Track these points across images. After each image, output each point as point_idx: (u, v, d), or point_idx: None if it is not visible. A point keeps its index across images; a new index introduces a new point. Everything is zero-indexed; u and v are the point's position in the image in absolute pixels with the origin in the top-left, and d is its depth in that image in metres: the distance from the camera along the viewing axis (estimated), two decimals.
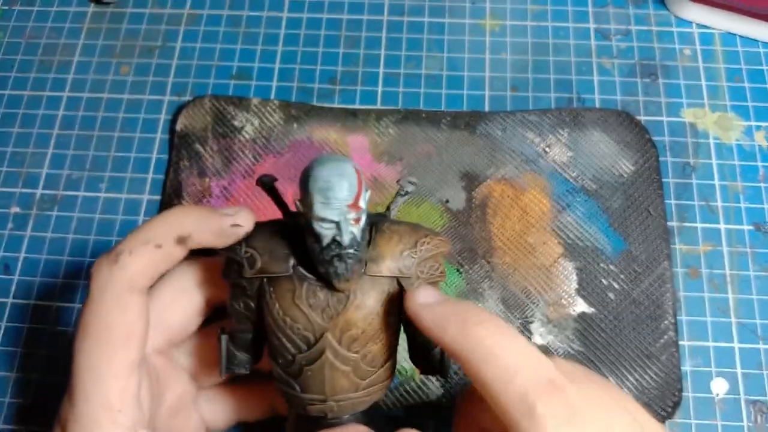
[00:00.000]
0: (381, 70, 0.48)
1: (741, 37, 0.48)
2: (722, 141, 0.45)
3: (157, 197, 0.45)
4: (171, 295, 0.32)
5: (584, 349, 0.39)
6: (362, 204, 0.27)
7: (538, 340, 0.40)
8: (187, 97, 0.48)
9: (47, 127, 0.47)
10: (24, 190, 0.46)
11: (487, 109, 0.46)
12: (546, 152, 0.44)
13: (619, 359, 0.39)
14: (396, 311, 0.29)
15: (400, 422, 0.38)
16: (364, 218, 0.27)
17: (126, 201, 0.45)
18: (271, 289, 0.28)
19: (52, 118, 0.48)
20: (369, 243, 0.28)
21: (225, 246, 0.29)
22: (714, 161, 0.44)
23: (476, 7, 0.50)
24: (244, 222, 0.29)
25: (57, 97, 0.48)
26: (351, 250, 0.26)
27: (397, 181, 0.31)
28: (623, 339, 0.39)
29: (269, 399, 0.35)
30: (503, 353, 0.25)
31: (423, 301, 0.27)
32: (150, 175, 0.45)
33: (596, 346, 0.39)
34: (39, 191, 0.45)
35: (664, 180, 0.44)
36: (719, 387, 0.39)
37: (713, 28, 0.48)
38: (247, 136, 0.46)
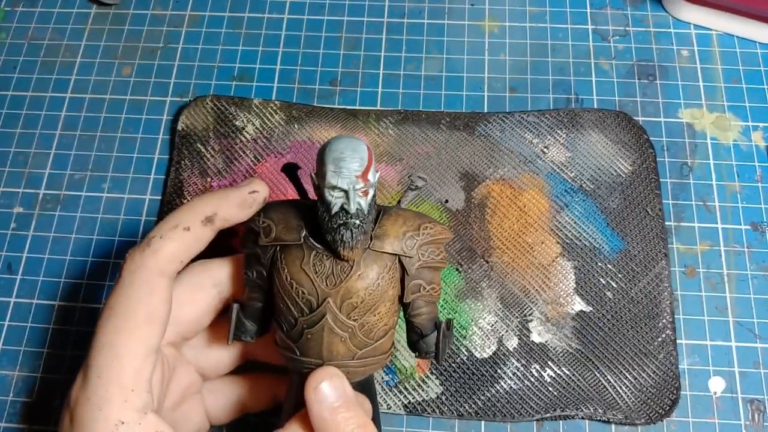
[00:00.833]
0: (381, 71, 0.48)
1: (738, 38, 0.48)
2: (720, 141, 0.45)
3: (159, 197, 0.45)
4: (187, 291, 0.33)
5: (582, 347, 0.40)
6: (371, 178, 0.29)
7: (536, 338, 0.40)
8: (189, 98, 0.48)
9: (50, 127, 0.48)
10: (27, 190, 0.46)
11: (486, 110, 0.47)
12: (544, 153, 0.45)
13: (617, 357, 0.39)
14: (395, 288, 0.31)
15: (399, 421, 0.39)
16: (371, 193, 0.29)
17: (128, 201, 0.45)
18: (282, 256, 0.30)
19: (54, 118, 0.48)
20: (376, 222, 0.30)
21: (248, 217, 0.32)
22: (711, 161, 0.45)
23: (475, 8, 0.51)
24: (260, 188, 0.33)
25: (59, 98, 0.49)
26: (357, 221, 0.29)
27: (408, 176, 0.33)
28: (621, 337, 0.40)
29: (273, 389, 0.36)
30: None
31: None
32: (152, 176, 0.46)
33: (594, 345, 0.40)
34: (42, 191, 0.46)
35: (661, 180, 0.44)
36: (717, 385, 0.39)
37: (711, 29, 0.49)
38: (248, 137, 0.46)
